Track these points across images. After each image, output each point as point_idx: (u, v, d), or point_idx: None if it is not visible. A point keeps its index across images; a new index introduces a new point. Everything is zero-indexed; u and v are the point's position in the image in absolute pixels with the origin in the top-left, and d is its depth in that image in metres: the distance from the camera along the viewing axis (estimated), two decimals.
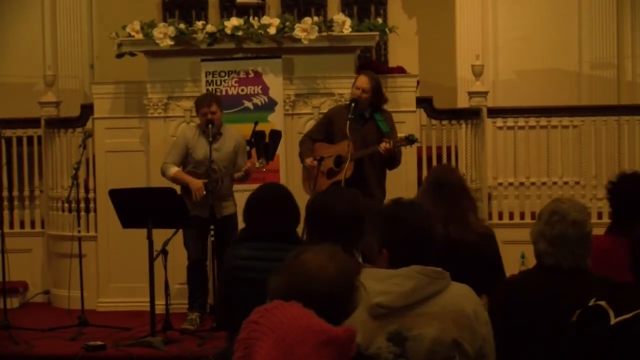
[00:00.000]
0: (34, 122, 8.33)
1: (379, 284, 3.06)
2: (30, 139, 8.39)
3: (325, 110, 7.34)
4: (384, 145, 6.49)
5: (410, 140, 6.57)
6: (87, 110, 8.10)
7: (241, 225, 6.98)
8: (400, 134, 6.79)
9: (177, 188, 6.96)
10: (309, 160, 6.75)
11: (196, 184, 6.90)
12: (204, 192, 6.84)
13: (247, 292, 3.85)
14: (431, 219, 3.26)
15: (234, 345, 2.46)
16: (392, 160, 6.69)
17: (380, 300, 3.02)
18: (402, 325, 3.02)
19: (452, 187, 4.55)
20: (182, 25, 7.57)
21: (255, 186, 7.26)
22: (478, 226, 4.56)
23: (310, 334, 2.36)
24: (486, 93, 8.15)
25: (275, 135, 7.52)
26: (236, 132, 7.18)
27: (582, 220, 3.58)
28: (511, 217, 8.15)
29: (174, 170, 7.00)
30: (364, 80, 6.75)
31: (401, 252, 3.11)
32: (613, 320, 3.07)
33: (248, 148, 7.30)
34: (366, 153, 6.61)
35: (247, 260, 4.06)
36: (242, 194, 7.25)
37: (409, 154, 7.57)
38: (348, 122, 6.57)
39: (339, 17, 7.59)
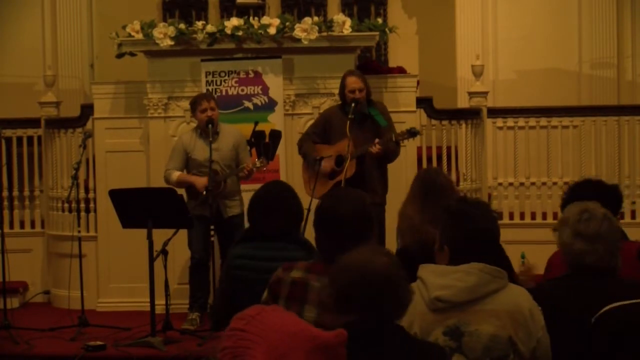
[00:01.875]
0: (34, 122, 8.32)
1: (440, 278, 3.12)
2: (30, 139, 8.38)
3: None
4: (374, 149, 6.51)
5: (412, 133, 6.59)
6: (87, 110, 8.10)
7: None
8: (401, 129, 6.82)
9: (183, 190, 6.97)
10: (326, 164, 6.71)
11: (201, 181, 6.90)
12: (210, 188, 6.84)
13: (245, 292, 3.85)
14: (495, 218, 3.31)
15: (219, 353, 2.43)
16: (385, 158, 6.71)
17: (441, 294, 3.08)
18: (461, 320, 3.07)
19: (437, 190, 4.58)
20: (182, 25, 7.57)
21: (256, 185, 7.36)
22: None
23: (302, 341, 2.34)
24: (486, 93, 8.14)
25: (275, 135, 7.53)
26: (234, 129, 7.17)
27: (610, 215, 3.59)
28: (511, 217, 8.15)
29: (176, 174, 7.01)
30: (355, 80, 6.78)
31: (463, 250, 3.17)
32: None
33: (248, 148, 7.30)
34: (360, 152, 6.62)
35: (246, 259, 4.06)
36: (248, 194, 7.27)
37: (409, 154, 7.57)
38: (348, 122, 6.58)
39: (339, 17, 7.59)
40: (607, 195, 4.27)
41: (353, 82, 6.77)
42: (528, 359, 3.12)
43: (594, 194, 4.16)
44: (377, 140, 6.56)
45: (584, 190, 4.34)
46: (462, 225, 3.20)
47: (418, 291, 3.14)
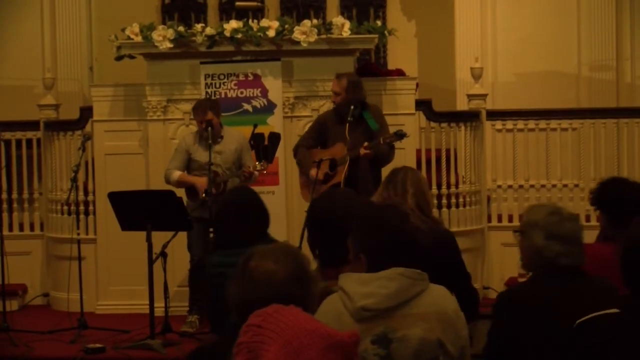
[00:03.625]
0: (33, 125, 8.32)
1: (363, 287, 3.06)
2: (29, 142, 8.38)
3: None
4: (362, 151, 6.53)
5: (399, 135, 6.59)
6: (86, 112, 8.10)
7: None
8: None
9: (180, 192, 6.96)
10: (313, 172, 6.74)
11: (201, 181, 6.92)
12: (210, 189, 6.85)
13: (223, 298, 3.86)
14: (408, 219, 3.27)
15: (234, 349, 2.44)
16: (377, 161, 6.71)
17: (365, 303, 3.03)
18: (388, 327, 3.02)
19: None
20: (181, 28, 7.57)
21: (255, 189, 7.36)
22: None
23: (317, 338, 2.36)
24: (485, 96, 8.15)
25: (275, 137, 7.53)
26: (237, 133, 7.18)
27: (576, 215, 3.62)
28: (510, 219, 8.13)
29: (177, 174, 7.02)
30: (333, 83, 6.87)
31: (381, 256, 3.10)
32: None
33: (251, 152, 7.28)
34: (352, 155, 6.62)
35: (224, 267, 4.05)
36: None
37: (408, 156, 7.57)
38: (347, 124, 6.60)
39: (338, 20, 7.59)
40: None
41: (332, 84, 6.87)
42: (457, 358, 3.10)
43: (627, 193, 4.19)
44: (365, 143, 6.57)
45: (614, 189, 4.33)
46: (376, 232, 3.14)
47: (341, 302, 3.07)
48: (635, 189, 4.32)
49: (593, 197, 4.39)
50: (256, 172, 6.90)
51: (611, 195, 4.28)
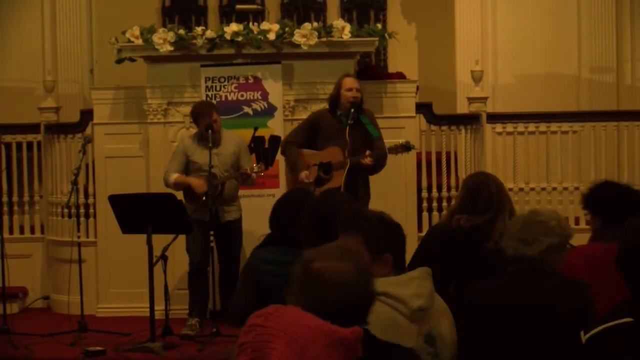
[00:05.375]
0: (33, 128, 8.33)
1: (406, 288, 3.10)
2: (29, 145, 8.39)
3: None
4: (367, 160, 6.50)
5: (406, 147, 6.59)
6: (86, 115, 8.10)
7: (249, 230, 7.06)
8: (397, 140, 6.80)
9: (180, 195, 6.96)
10: (303, 175, 6.70)
11: (198, 182, 6.92)
12: (206, 189, 6.84)
13: (270, 296, 3.83)
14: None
15: (236, 349, 2.44)
16: (373, 170, 6.69)
17: (419, 303, 3.08)
18: (429, 325, 3.11)
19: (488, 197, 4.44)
20: (181, 31, 7.58)
21: (255, 192, 7.38)
22: None
23: (321, 335, 2.37)
24: (485, 99, 8.15)
25: (275, 140, 7.52)
26: (236, 136, 7.19)
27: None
28: None
29: (174, 176, 7.02)
30: (353, 81, 6.80)
31: (401, 256, 3.21)
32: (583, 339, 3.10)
33: (249, 155, 7.28)
34: (352, 163, 6.60)
35: (274, 265, 4.00)
36: (247, 199, 7.28)
37: (409, 159, 7.57)
38: (348, 127, 6.59)
39: (338, 23, 7.60)
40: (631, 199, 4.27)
41: (350, 82, 6.79)
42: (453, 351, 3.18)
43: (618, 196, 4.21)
44: (367, 152, 6.54)
45: (607, 193, 4.35)
46: (395, 234, 3.21)
47: (390, 307, 3.06)
48: (624, 190, 4.37)
49: (585, 201, 4.41)
50: (254, 174, 6.90)
51: (604, 197, 4.31)
